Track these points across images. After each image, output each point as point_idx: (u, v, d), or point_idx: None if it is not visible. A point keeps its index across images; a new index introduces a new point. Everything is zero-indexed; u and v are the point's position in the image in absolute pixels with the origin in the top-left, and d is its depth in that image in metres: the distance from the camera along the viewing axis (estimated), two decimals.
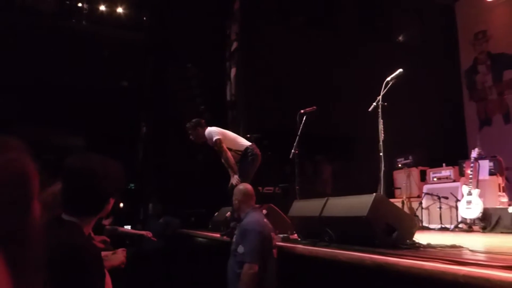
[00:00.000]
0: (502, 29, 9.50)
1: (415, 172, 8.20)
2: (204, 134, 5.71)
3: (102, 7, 9.53)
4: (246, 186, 4.28)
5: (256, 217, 3.94)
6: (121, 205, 9.93)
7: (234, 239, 4.03)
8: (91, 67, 9.23)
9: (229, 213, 5.88)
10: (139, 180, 9.91)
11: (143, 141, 10.03)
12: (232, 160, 5.57)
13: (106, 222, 5.59)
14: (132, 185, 10.39)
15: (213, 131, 5.66)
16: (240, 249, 3.73)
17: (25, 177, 0.91)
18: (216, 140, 5.54)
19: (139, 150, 10.07)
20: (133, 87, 10.01)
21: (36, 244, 0.91)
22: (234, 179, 5.49)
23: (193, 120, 5.83)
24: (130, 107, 9.72)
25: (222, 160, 5.75)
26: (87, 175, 1.70)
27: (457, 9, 10.43)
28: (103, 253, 3.41)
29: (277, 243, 4.20)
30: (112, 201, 1.80)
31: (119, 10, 9.59)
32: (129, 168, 9.95)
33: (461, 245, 3.36)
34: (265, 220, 3.98)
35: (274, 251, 3.86)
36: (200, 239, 6.74)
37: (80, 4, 9.51)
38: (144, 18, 9.81)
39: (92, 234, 2.33)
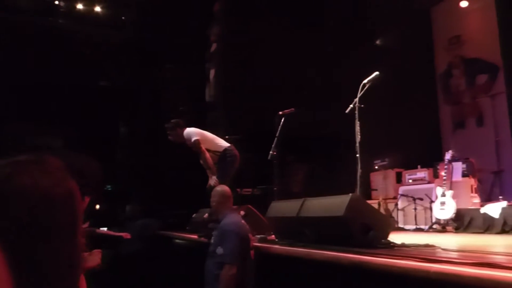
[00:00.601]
0: (475, 34, 9.74)
1: (391, 174, 8.35)
2: (183, 135, 5.72)
3: (80, 6, 9.39)
4: (223, 188, 4.31)
5: (234, 218, 3.98)
6: (98, 206, 9.80)
7: (212, 240, 4.04)
8: (69, 66, 9.09)
9: (206, 214, 5.91)
10: (117, 181, 9.79)
11: (121, 142, 9.92)
12: (210, 161, 5.59)
13: (83, 225, 5.54)
14: (109, 186, 10.26)
15: (192, 132, 5.67)
16: (219, 250, 3.74)
17: (73, 198, 0.90)
18: (194, 140, 5.55)
19: (117, 150, 9.95)
20: (112, 87, 9.89)
21: (78, 267, 0.89)
22: (212, 180, 5.52)
23: (172, 121, 5.84)
24: (109, 107, 9.60)
25: (201, 161, 5.76)
26: None
27: (433, 14, 10.64)
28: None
29: (255, 244, 4.23)
30: (87, 199, 1.78)
31: (97, 9, 9.47)
32: (107, 169, 9.83)
33: (434, 244, 3.45)
34: (242, 221, 4.03)
35: (251, 252, 3.89)
36: (178, 240, 6.71)
37: (57, 2, 9.35)
38: (123, 18, 9.70)
39: None
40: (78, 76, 9.18)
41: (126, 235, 6.01)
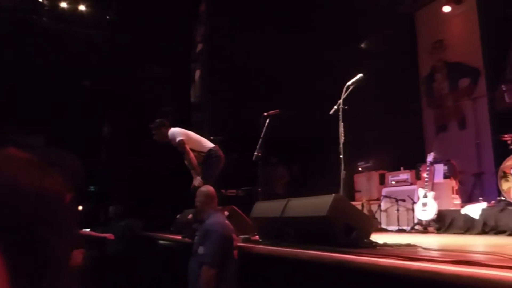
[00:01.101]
0: (458, 39, 9.91)
1: (375, 175, 8.43)
2: (167, 135, 5.72)
3: (64, 4, 9.30)
4: (208, 188, 4.32)
5: (218, 218, 3.99)
6: (80, 207, 9.70)
7: (195, 240, 4.04)
8: (53, 65, 8.98)
9: (191, 215, 5.93)
10: (100, 182, 9.70)
11: (105, 142, 9.83)
12: (195, 161, 5.59)
13: None
14: (93, 187, 10.17)
15: (177, 132, 5.67)
16: (201, 250, 3.75)
17: (67, 201, 0.89)
18: (179, 140, 5.55)
19: (101, 151, 9.86)
20: (96, 87, 9.79)
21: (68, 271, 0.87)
22: (197, 180, 5.52)
23: (157, 120, 5.83)
24: (93, 107, 9.50)
25: (185, 162, 5.75)
26: None
27: (417, 18, 10.80)
28: None
29: (239, 244, 4.23)
30: (69, 197, 1.77)
31: (81, 7, 9.39)
32: (90, 170, 9.73)
33: (416, 244, 3.50)
34: (226, 221, 4.03)
35: (235, 252, 3.89)
36: (162, 241, 6.67)
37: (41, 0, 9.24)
38: (107, 17, 9.62)
39: None
40: (61, 75, 9.07)
41: (110, 236, 5.97)
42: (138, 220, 7.57)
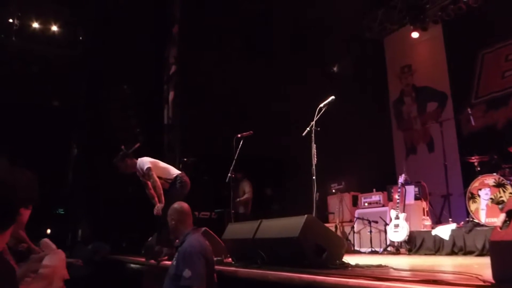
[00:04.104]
0: (425, 64, 10.25)
1: (347, 197, 8.48)
2: (132, 164, 5.76)
3: (35, 24, 9.17)
4: (181, 204, 3.98)
5: (198, 239, 3.70)
6: (49, 231, 9.39)
7: (174, 262, 3.77)
8: (20, 84, 8.79)
9: (150, 238, 6.18)
10: (68, 205, 9.43)
11: (73, 164, 9.60)
12: (160, 189, 5.61)
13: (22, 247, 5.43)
14: (62, 209, 9.88)
15: (145, 161, 5.74)
16: (187, 273, 3.40)
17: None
18: (147, 168, 5.62)
19: (68, 173, 9.61)
20: (64, 107, 9.60)
21: None
22: (157, 208, 5.53)
23: (120, 153, 5.85)
24: (61, 127, 9.29)
25: (146, 191, 5.75)
26: None
27: (386, 44, 11.14)
28: (25, 279, 3.22)
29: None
30: (23, 211, 1.72)
31: (54, 28, 9.28)
32: (58, 192, 9.46)
33: (387, 264, 3.51)
34: (206, 242, 3.76)
35: (215, 275, 3.68)
36: (132, 264, 6.51)
37: (11, 20, 9.09)
38: (80, 38, 9.54)
39: (6, 251, 2.21)
40: (28, 95, 8.89)
41: (77, 261, 5.79)
42: (106, 243, 7.38)
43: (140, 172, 5.74)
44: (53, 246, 3.38)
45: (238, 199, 8.16)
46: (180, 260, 3.52)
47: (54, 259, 3.36)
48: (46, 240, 3.35)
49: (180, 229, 3.79)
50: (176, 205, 3.97)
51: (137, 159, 5.83)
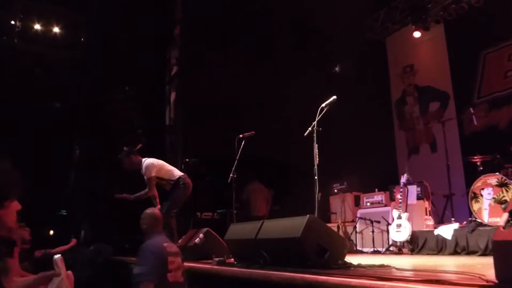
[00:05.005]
0: (427, 64, 10.24)
1: (349, 197, 8.47)
2: (137, 161, 5.73)
3: (37, 26, 9.19)
4: (154, 211, 4.31)
5: (156, 240, 3.97)
6: (51, 232, 9.40)
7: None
8: (22, 85, 8.81)
9: None
10: (71, 206, 9.44)
11: (75, 165, 9.61)
12: (156, 199, 5.63)
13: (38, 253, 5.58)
14: (64, 211, 9.89)
15: (150, 166, 5.64)
16: (136, 270, 3.73)
17: None
18: (151, 177, 5.57)
19: (71, 174, 9.63)
20: (66, 108, 9.61)
21: None
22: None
23: (125, 149, 5.81)
24: (63, 129, 9.31)
25: (146, 193, 5.72)
26: None
27: (388, 44, 11.13)
28: (22, 278, 3.23)
29: (213, 266, 4.17)
30: (10, 204, 1.76)
31: (55, 29, 9.29)
32: (61, 193, 9.48)
33: (389, 264, 3.50)
34: (165, 244, 3.94)
35: (169, 275, 3.77)
36: (134, 265, 6.51)
37: (13, 22, 9.12)
38: (82, 39, 9.55)
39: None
40: (30, 97, 8.91)
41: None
42: (108, 244, 7.38)
43: (143, 171, 5.71)
44: (64, 267, 3.38)
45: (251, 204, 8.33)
46: (137, 259, 3.88)
47: (63, 284, 3.36)
48: (58, 259, 3.34)
49: (149, 233, 4.08)
50: (149, 211, 4.26)
51: (143, 158, 5.80)
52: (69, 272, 3.61)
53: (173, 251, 3.94)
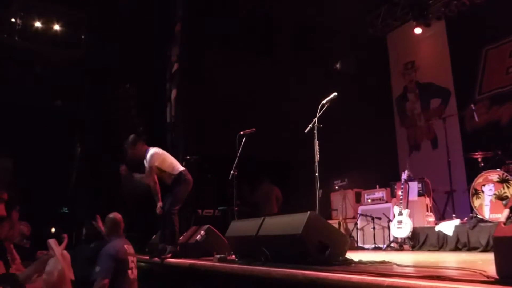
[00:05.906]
0: (428, 60, 10.21)
1: (350, 194, 8.48)
2: (142, 151, 5.60)
3: (38, 24, 9.18)
4: (115, 215, 4.67)
5: (114, 242, 4.42)
6: (53, 230, 9.41)
7: None
8: (23, 84, 8.81)
9: (154, 236, 6.65)
10: (72, 204, 9.46)
11: (77, 163, 9.62)
12: (156, 190, 5.53)
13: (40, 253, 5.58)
14: (66, 208, 9.91)
15: (156, 156, 5.54)
16: (95, 269, 4.19)
17: None
18: (152, 167, 5.48)
19: (72, 172, 9.63)
20: (67, 107, 9.61)
21: None
22: (159, 208, 5.50)
23: (131, 136, 5.70)
24: (64, 127, 9.31)
25: (153, 187, 5.62)
26: None
27: (389, 41, 11.10)
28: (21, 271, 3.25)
29: (214, 263, 4.19)
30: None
31: (56, 27, 9.28)
32: (62, 191, 9.49)
33: (390, 261, 3.51)
34: (124, 246, 4.42)
35: (129, 272, 4.32)
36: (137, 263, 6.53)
37: (13, 20, 9.11)
38: (83, 37, 9.53)
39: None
40: (31, 96, 8.91)
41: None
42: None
43: (147, 159, 5.56)
44: (58, 248, 3.41)
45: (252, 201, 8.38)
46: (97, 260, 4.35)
47: (58, 263, 3.39)
48: (51, 241, 3.40)
49: (109, 236, 4.59)
50: (111, 215, 4.67)
51: (148, 147, 5.70)
52: (65, 251, 3.65)
53: (132, 252, 4.48)
